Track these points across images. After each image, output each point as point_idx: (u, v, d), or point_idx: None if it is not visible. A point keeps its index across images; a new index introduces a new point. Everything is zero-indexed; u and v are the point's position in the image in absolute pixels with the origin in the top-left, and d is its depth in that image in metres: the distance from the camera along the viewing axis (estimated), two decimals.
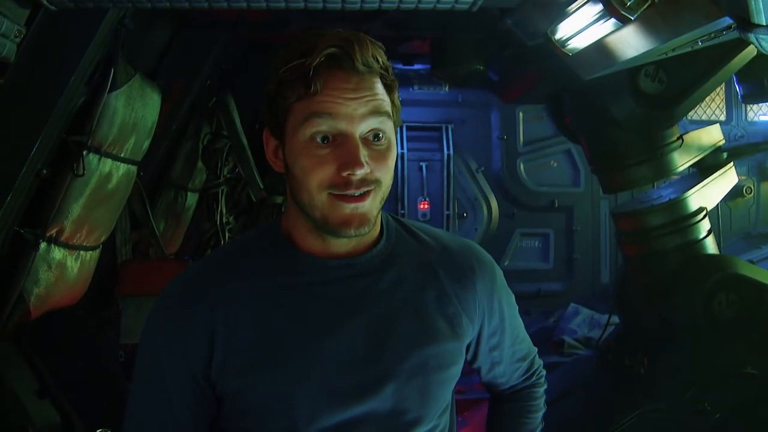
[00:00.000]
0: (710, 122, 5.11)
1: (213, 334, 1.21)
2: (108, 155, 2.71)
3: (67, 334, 3.19)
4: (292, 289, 1.24)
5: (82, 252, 2.80)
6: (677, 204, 3.64)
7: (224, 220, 3.83)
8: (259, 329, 1.21)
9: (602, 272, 6.26)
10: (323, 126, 1.14)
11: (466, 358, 1.39)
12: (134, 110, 2.77)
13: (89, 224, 2.75)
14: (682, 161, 3.69)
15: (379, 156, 1.18)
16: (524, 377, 1.54)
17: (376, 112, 1.16)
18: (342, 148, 1.15)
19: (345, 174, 1.14)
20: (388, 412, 1.24)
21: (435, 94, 6.26)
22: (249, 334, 1.21)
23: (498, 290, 1.40)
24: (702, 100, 3.74)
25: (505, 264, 6.28)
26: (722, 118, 5.97)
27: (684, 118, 4.40)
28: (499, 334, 1.43)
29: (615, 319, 4.31)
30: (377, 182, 1.18)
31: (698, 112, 5.95)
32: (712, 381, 3.39)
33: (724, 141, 3.90)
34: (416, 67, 5.42)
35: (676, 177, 4.19)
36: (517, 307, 1.49)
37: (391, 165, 1.21)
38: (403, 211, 6.06)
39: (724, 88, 5.88)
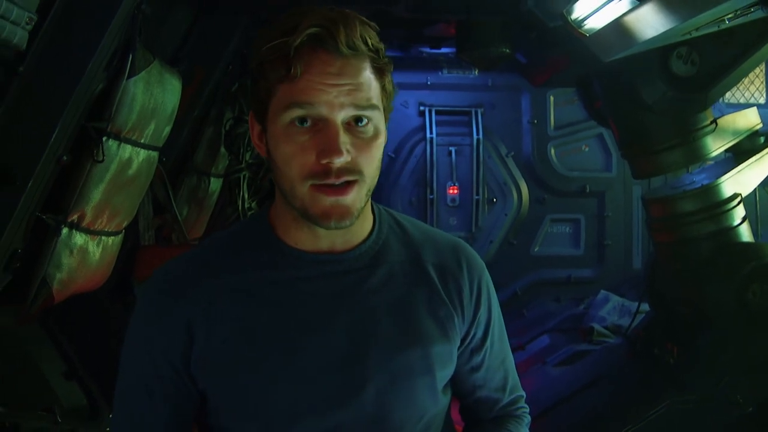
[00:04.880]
0: (748, 105, 4.93)
1: (193, 329, 1.18)
2: (128, 141, 2.72)
3: (93, 318, 3.25)
4: (276, 284, 1.20)
5: (104, 237, 2.82)
6: (710, 190, 3.54)
7: (246, 205, 3.84)
8: (240, 325, 1.18)
9: (634, 259, 6.13)
10: (305, 111, 1.09)
11: None
12: (153, 96, 2.77)
13: (110, 210, 2.77)
14: (716, 146, 3.58)
15: (363, 144, 1.12)
16: (504, 406, 1.41)
17: (358, 104, 1.10)
18: (322, 135, 1.09)
19: (324, 162, 1.09)
20: (371, 415, 1.18)
21: (464, 78, 6.18)
22: (229, 330, 1.18)
23: (485, 297, 1.33)
24: (737, 82, 3.62)
25: (535, 250, 6.21)
26: (762, 101, 5.77)
27: (720, 101, 4.27)
28: (481, 350, 1.34)
29: (645, 307, 4.23)
30: (360, 173, 1.12)
31: (736, 95, 5.76)
32: (744, 373, 3.31)
33: (761, 125, 3.76)
34: (444, 50, 5.36)
35: (710, 162, 4.07)
36: (505, 332, 1.40)
37: (377, 154, 1.15)
38: (432, 196, 6.01)
39: (764, 70, 5.68)
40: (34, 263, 2.58)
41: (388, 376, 1.20)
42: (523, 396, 1.44)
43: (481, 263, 1.35)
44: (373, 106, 1.12)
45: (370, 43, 1.11)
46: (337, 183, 1.10)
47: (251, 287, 1.20)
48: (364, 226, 1.25)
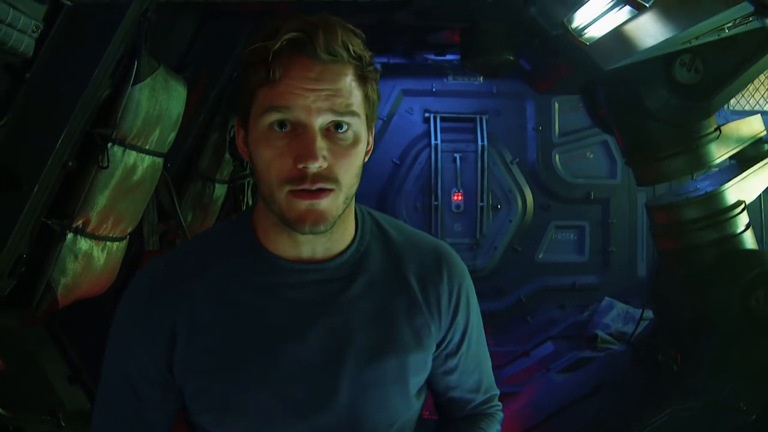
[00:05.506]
0: (754, 112, 4.93)
1: (174, 331, 1.19)
2: (132, 147, 2.74)
3: (97, 322, 3.26)
4: (256, 290, 1.20)
5: (108, 243, 2.84)
6: (714, 197, 3.54)
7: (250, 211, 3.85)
8: (220, 329, 1.19)
9: (639, 266, 6.13)
10: (283, 115, 1.10)
11: None
12: (158, 103, 2.79)
13: (115, 215, 2.79)
14: (720, 153, 3.57)
15: (341, 151, 1.11)
16: (477, 405, 1.43)
17: (336, 109, 1.09)
18: (299, 139, 1.09)
19: (300, 166, 1.09)
20: (344, 422, 1.20)
21: (469, 85, 6.19)
22: (209, 333, 1.19)
23: (464, 304, 1.32)
24: (741, 90, 3.62)
25: (540, 256, 6.20)
26: (767, 108, 5.76)
27: (725, 108, 4.26)
28: (456, 354, 1.34)
29: (649, 314, 4.22)
30: (336, 182, 1.11)
31: (741, 103, 5.76)
32: (748, 379, 3.29)
33: (765, 132, 3.76)
34: (449, 57, 5.37)
35: (715, 169, 4.06)
36: (483, 335, 1.40)
37: (355, 162, 1.14)
38: (436, 202, 6.03)
39: None
40: (39, 268, 2.60)
41: (362, 384, 1.21)
42: (497, 394, 1.45)
43: (462, 269, 1.34)
44: (352, 113, 1.12)
45: (352, 50, 1.10)
46: (312, 189, 1.10)
47: (231, 292, 1.20)
48: (345, 234, 1.25)
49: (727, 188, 3.55)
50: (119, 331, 1.25)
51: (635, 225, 6.16)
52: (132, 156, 2.76)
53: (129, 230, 2.99)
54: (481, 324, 1.39)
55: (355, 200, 1.26)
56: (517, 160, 6.18)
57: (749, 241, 3.55)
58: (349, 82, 1.11)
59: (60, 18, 2.26)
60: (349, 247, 1.26)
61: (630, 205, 6.14)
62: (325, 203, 1.12)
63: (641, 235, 6.13)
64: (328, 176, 1.11)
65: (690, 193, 3.69)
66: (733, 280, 3.38)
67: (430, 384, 1.37)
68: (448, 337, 1.32)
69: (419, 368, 1.27)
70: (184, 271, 1.23)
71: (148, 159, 2.89)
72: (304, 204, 1.11)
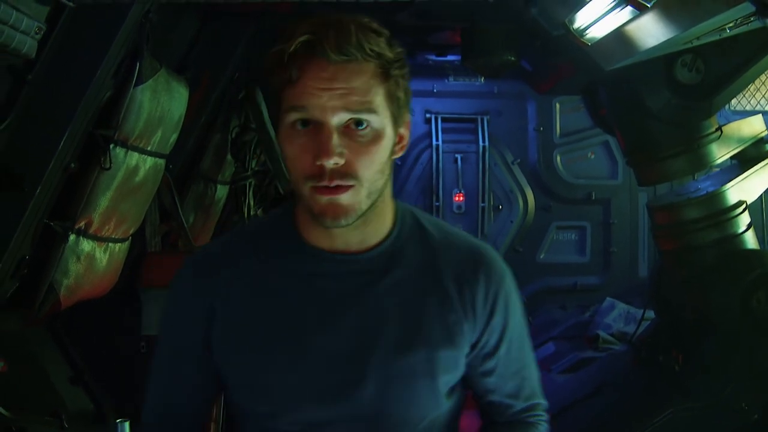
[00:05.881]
0: (754, 113, 4.93)
1: (213, 310, 1.26)
2: (134, 148, 2.75)
3: (100, 324, 3.27)
4: (291, 277, 1.25)
5: (110, 244, 2.85)
6: (715, 197, 3.53)
7: (252, 212, 3.86)
8: (253, 313, 1.25)
9: (640, 266, 6.12)
10: (301, 114, 1.13)
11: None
12: (160, 104, 2.80)
13: (117, 217, 2.80)
14: (721, 153, 3.57)
15: (360, 148, 1.14)
16: (517, 412, 1.40)
17: (350, 107, 1.12)
18: (316, 138, 1.13)
19: (317, 163, 1.12)
20: (369, 412, 1.23)
21: (470, 86, 6.19)
22: (243, 315, 1.25)
23: (502, 306, 1.32)
24: (742, 90, 3.63)
25: (541, 257, 6.20)
26: None
27: (727, 108, 4.26)
28: (494, 356, 1.33)
29: (650, 314, 4.22)
30: (355, 177, 1.14)
31: (742, 103, 5.75)
32: (749, 380, 3.29)
33: (766, 132, 3.76)
34: (450, 58, 5.37)
35: (716, 169, 4.06)
36: (528, 337, 1.38)
37: (377, 158, 1.16)
38: (437, 203, 6.02)
39: None
40: (41, 269, 2.61)
41: (389, 376, 1.23)
42: (540, 404, 1.42)
43: (501, 272, 1.34)
44: (369, 110, 1.13)
45: (368, 49, 1.12)
46: (331, 185, 1.13)
47: (268, 278, 1.26)
48: (380, 228, 1.27)
49: (729, 188, 3.55)
50: (167, 309, 1.36)
51: (636, 225, 6.15)
52: (134, 157, 2.77)
53: (131, 231, 2.99)
54: (525, 331, 1.38)
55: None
56: (519, 160, 6.17)
57: (750, 241, 3.54)
58: (366, 79, 1.13)
59: (62, 19, 2.26)
60: (384, 240, 1.27)
61: (631, 206, 6.13)
62: (345, 198, 1.14)
63: (642, 236, 6.12)
64: (347, 172, 1.14)
65: (691, 193, 3.69)
66: (735, 280, 3.38)
67: (470, 386, 1.37)
68: (484, 338, 1.31)
69: (449, 366, 1.27)
70: (227, 254, 1.31)
71: (150, 160, 2.89)
72: (324, 199, 1.14)
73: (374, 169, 1.16)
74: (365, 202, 1.17)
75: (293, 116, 1.13)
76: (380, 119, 1.16)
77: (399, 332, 1.23)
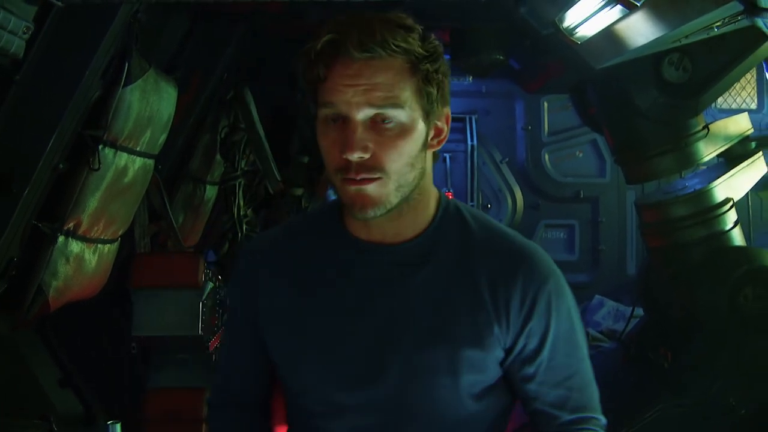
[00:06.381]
0: (740, 111, 4.97)
1: (259, 294, 1.35)
2: (124, 149, 2.73)
3: (89, 325, 3.25)
4: (331, 265, 1.31)
5: (100, 245, 2.83)
6: (702, 195, 3.56)
7: (242, 212, 3.85)
8: (293, 297, 1.31)
9: (628, 264, 6.14)
10: (330, 110, 1.18)
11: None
12: (149, 104, 2.78)
13: (106, 218, 2.78)
14: (708, 151, 3.60)
15: (386, 141, 1.17)
16: (563, 424, 1.31)
17: (374, 103, 1.15)
18: (343, 132, 1.17)
19: (344, 157, 1.16)
20: (389, 404, 1.26)
21: (458, 85, 6.18)
22: (283, 301, 1.32)
23: (542, 310, 1.26)
24: (729, 88, 3.65)
25: None
26: (753, 106, 5.80)
27: (712, 106, 4.30)
28: (533, 362, 1.28)
29: (639, 311, 4.25)
30: (383, 170, 1.17)
31: (728, 101, 5.79)
32: (738, 376, 3.32)
33: (752, 130, 3.79)
34: None
35: (703, 167, 4.09)
36: (580, 346, 1.31)
37: (405, 151, 1.18)
38: None
39: (755, 76, 5.72)
40: (30, 271, 2.59)
41: (411, 369, 1.25)
42: (592, 418, 1.33)
43: (545, 275, 1.29)
44: (394, 105, 1.16)
45: (392, 44, 1.14)
46: (357, 178, 1.17)
47: (311, 265, 1.32)
48: (416, 220, 1.29)
49: (716, 186, 3.57)
50: (232, 281, 1.48)
51: (624, 223, 6.17)
52: (123, 158, 2.76)
53: (120, 232, 2.98)
54: (576, 339, 1.32)
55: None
56: (507, 159, 6.18)
57: (738, 238, 3.57)
58: (392, 75, 1.15)
59: (50, 19, 2.25)
60: (422, 233, 1.29)
61: (619, 204, 6.16)
62: (371, 189, 1.18)
63: (630, 234, 6.15)
64: (373, 166, 1.17)
65: (679, 191, 3.71)
66: (722, 277, 3.40)
67: (515, 393, 1.34)
68: (520, 342, 1.27)
69: (475, 366, 1.25)
70: (276, 241, 1.41)
71: (139, 161, 2.88)
72: (352, 189, 1.19)
73: (402, 162, 1.18)
74: (394, 194, 1.20)
75: (324, 112, 1.19)
76: (408, 113, 1.17)
77: (424, 327, 1.25)
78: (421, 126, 1.20)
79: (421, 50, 1.16)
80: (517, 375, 1.31)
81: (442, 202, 1.33)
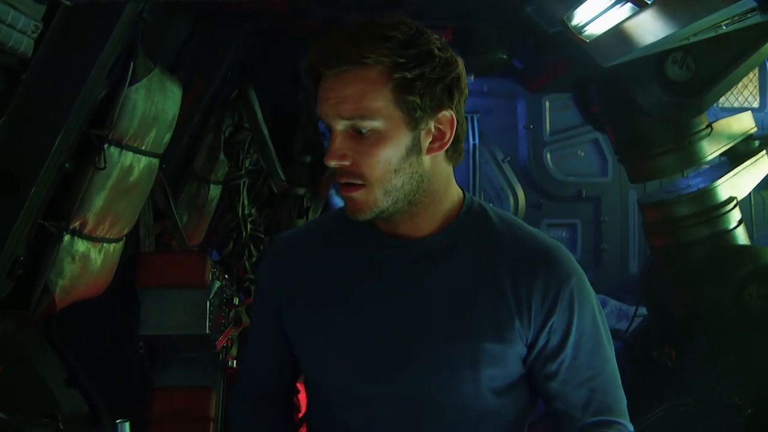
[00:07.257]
0: (742, 110, 4.97)
1: (284, 288, 1.38)
2: (129, 148, 2.73)
3: (95, 324, 3.25)
4: (356, 259, 1.34)
5: (105, 244, 2.83)
6: (706, 193, 3.57)
7: (246, 212, 3.85)
8: (318, 292, 1.34)
9: (631, 263, 6.15)
10: (323, 121, 1.24)
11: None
12: (154, 103, 2.78)
13: (112, 217, 2.78)
14: (711, 150, 3.61)
15: (362, 149, 1.20)
16: (585, 426, 1.29)
17: (343, 115, 1.19)
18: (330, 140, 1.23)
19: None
20: (409, 396, 1.27)
21: None
22: (310, 294, 1.35)
23: (564, 306, 1.26)
24: (731, 87, 3.66)
25: None
26: (755, 105, 5.81)
27: (715, 105, 4.30)
28: (555, 359, 1.27)
29: (642, 310, 4.25)
30: (361, 177, 1.22)
31: (730, 100, 5.79)
32: (742, 375, 3.33)
33: (755, 128, 3.80)
34: None
35: (706, 166, 4.10)
36: (605, 347, 1.30)
37: (383, 159, 1.21)
38: None
39: (757, 75, 5.72)
40: (36, 270, 2.59)
41: (431, 362, 1.26)
42: (616, 423, 1.31)
43: (567, 272, 1.29)
44: (362, 116, 1.18)
45: (357, 56, 1.15)
46: (342, 183, 1.25)
47: (336, 259, 1.36)
48: (433, 218, 1.31)
49: (719, 185, 3.59)
50: (260, 275, 1.56)
51: (627, 222, 6.18)
52: (128, 157, 2.76)
53: (125, 231, 2.98)
54: (601, 341, 1.31)
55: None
56: (509, 158, 6.18)
57: (741, 237, 3.58)
58: (362, 87, 1.17)
59: (57, 18, 2.25)
60: (443, 230, 1.31)
61: (621, 203, 6.17)
62: (356, 195, 1.23)
63: (633, 233, 6.16)
64: (353, 173, 1.22)
65: (682, 190, 3.72)
66: (726, 276, 3.41)
67: (538, 392, 1.34)
68: (542, 338, 1.27)
69: (494, 360, 1.26)
70: (302, 237, 1.47)
71: (144, 160, 2.88)
72: (344, 194, 1.26)
73: (382, 169, 1.21)
74: (383, 199, 1.23)
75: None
76: (384, 122, 1.19)
77: (445, 321, 1.26)
78: (403, 133, 1.20)
79: (397, 58, 1.15)
80: (540, 373, 1.30)
81: (466, 201, 1.34)
